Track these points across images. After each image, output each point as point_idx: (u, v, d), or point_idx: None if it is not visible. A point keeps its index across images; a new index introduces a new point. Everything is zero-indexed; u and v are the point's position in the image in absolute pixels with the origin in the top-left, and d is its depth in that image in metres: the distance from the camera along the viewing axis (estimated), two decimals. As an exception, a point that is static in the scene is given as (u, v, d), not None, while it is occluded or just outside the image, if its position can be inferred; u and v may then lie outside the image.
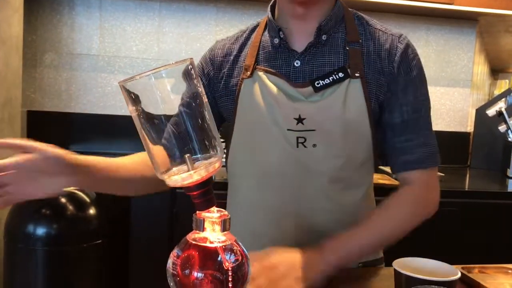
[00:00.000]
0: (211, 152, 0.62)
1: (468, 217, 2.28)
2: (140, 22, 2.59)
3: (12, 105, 2.18)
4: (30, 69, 2.52)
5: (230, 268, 0.62)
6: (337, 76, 1.03)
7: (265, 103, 1.04)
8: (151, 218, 2.07)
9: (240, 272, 0.63)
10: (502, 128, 2.65)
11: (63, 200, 1.88)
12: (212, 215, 0.62)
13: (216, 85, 1.14)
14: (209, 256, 0.62)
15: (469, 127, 2.99)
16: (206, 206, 0.62)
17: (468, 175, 2.82)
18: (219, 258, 0.62)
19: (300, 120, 1.03)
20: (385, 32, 1.09)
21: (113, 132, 2.55)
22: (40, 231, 1.80)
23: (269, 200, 1.08)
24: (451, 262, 1.03)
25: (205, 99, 0.62)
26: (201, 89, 0.63)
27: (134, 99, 0.60)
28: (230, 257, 0.63)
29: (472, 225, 2.28)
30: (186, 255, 0.62)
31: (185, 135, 0.61)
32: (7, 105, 2.11)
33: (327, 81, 1.03)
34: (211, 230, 0.63)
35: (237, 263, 0.63)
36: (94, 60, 2.58)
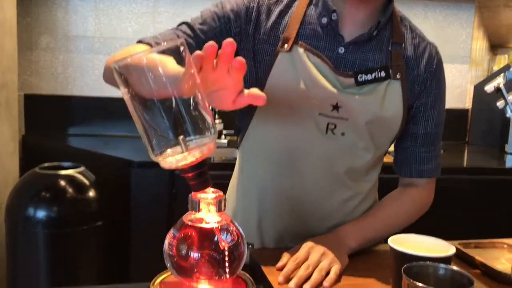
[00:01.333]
0: (205, 133, 0.62)
1: (466, 193, 2.29)
2: (135, 2, 2.57)
3: (8, 89, 2.17)
4: (26, 52, 2.50)
5: (226, 248, 0.62)
6: (379, 74, 1.02)
7: (301, 83, 1.01)
8: (150, 199, 2.08)
9: (237, 252, 0.63)
10: (500, 104, 2.64)
11: (62, 183, 1.88)
12: (207, 196, 0.63)
13: (246, 42, 1.04)
14: (205, 236, 0.63)
15: (468, 104, 2.99)
16: (201, 187, 0.62)
17: (466, 152, 2.82)
18: (215, 238, 0.62)
19: (336, 107, 1.02)
20: (424, 39, 1.09)
21: (111, 115, 2.54)
22: (41, 214, 1.82)
23: (285, 183, 1.08)
24: (448, 238, 1.05)
25: (197, 80, 0.62)
26: (193, 70, 0.62)
27: (126, 81, 0.60)
28: (226, 237, 0.63)
29: (470, 202, 2.30)
30: (182, 236, 0.62)
31: (178, 116, 0.61)
32: (3, 89, 2.10)
33: (369, 77, 1.02)
34: (206, 211, 0.63)
35: (233, 243, 0.63)
36: (90, 42, 2.56)
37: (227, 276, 0.62)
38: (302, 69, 1.01)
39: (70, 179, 1.90)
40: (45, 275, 1.84)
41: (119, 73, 0.60)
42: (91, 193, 1.92)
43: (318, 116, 1.03)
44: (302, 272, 0.89)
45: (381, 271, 0.94)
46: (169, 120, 0.61)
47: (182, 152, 0.60)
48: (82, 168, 1.96)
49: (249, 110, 1.08)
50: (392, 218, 1.11)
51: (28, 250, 1.84)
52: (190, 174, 0.61)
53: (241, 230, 0.65)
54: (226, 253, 0.62)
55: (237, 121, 1.16)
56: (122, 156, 2.14)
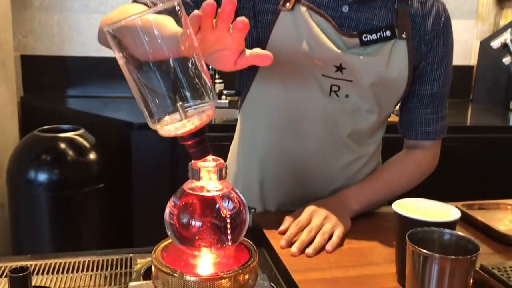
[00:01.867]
0: (204, 99, 0.59)
1: (470, 153, 2.28)
2: (130, -43, 2.48)
3: (4, 49, 2.13)
4: (20, 12, 2.44)
5: (228, 216, 0.61)
6: (384, 34, 0.99)
7: (303, 43, 0.98)
8: (152, 161, 2.07)
9: (239, 219, 0.62)
10: (506, 60, 2.59)
11: (62, 145, 1.87)
12: (208, 164, 0.61)
13: (246, 0, 1.00)
14: (206, 204, 0.62)
15: (473, 60, 2.93)
16: (201, 155, 0.60)
17: (470, 110, 2.79)
18: (216, 206, 0.61)
19: (340, 68, 0.99)
20: None
21: (109, 75, 2.49)
22: (42, 177, 1.82)
23: (287, 147, 1.07)
24: (452, 198, 1.05)
25: (195, 42, 0.59)
26: (190, 31, 0.59)
27: (120, 45, 0.57)
28: (228, 204, 0.62)
29: (474, 161, 2.29)
30: (183, 204, 0.61)
31: (175, 81, 0.58)
32: (-2, 50, 2.06)
33: (374, 36, 0.99)
34: (207, 179, 0.61)
35: (235, 210, 0.62)
36: (85, 0, 2.49)
37: (230, 243, 0.62)
38: (305, 29, 0.97)
39: (70, 142, 1.89)
40: (48, 237, 1.86)
41: (113, 36, 0.57)
42: (92, 156, 1.91)
43: (321, 77, 1.00)
44: (304, 236, 0.89)
45: (384, 234, 0.93)
46: (166, 85, 0.58)
47: (181, 119, 0.57)
48: (82, 131, 1.95)
49: (250, 72, 1.05)
50: (395, 180, 1.10)
51: (31, 213, 1.85)
52: (189, 142, 0.59)
53: (242, 198, 0.63)
54: (228, 220, 0.61)
55: (238, 84, 1.13)
56: (122, 118, 2.12)
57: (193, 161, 0.61)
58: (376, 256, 0.86)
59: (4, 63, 2.13)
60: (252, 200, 1.11)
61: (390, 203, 0.83)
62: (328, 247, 0.88)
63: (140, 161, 2.07)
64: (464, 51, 2.88)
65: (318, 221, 0.92)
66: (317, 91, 1.01)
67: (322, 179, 1.07)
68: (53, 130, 1.93)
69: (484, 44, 2.79)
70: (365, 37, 0.98)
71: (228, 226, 0.61)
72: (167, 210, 0.62)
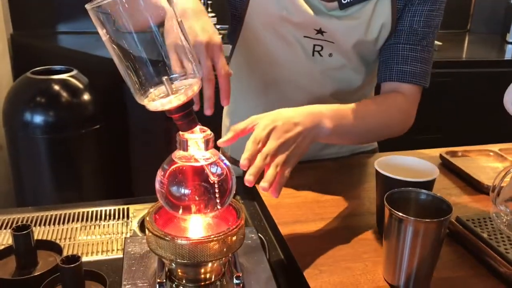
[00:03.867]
0: (189, 73, 0.61)
1: (463, 87, 2.29)
2: None
3: (-12, -14, 2.07)
4: None
5: (215, 182, 0.64)
6: None
7: (282, 7, 0.96)
8: (146, 101, 2.08)
9: (226, 185, 0.66)
10: (506, -10, 2.53)
11: (56, 87, 1.88)
12: (195, 136, 0.63)
13: None
14: (194, 172, 0.65)
15: (472, -11, 2.85)
16: (188, 127, 0.62)
17: (466, 41, 2.76)
18: (204, 174, 0.64)
19: (320, 31, 0.98)
20: None
21: (100, 10, 2.43)
22: (38, 119, 1.84)
23: (272, 106, 1.06)
24: (443, 139, 1.08)
25: (179, 18, 0.59)
26: (172, 4, 0.59)
27: (103, 21, 0.57)
28: (216, 170, 0.65)
29: (467, 97, 2.30)
30: (172, 173, 0.64)
31: (160, 56, 0.59)
32: (-17, -13, 2.00)
33: None
34: (195, 149, 0.64)
35: (222, 177, 0.65)
36: None
37: (218, 207, 0.65)
38: None
39: (63, 83, 1.89)
40: (48, 177, 1.92)
41: (96, 13, 0.57)
42: (86, 97, 1.92)
43: (303, 38, 0.99)
44: (258, 163, 0.72)
45: (368, 184, 0.98)
46: (151, 59, 0.59)
47: (168, 95, 0.59)
48: (74, 72, 1.94)
49: (234, 32, 1.05)
50: (373, 116, 0.98)
51: (29, 154, 1.89)
52: (176, 115, 0.61)
53: (229, 165, 0.67)
54: (216, 186, 0.64)
55: (227, 38, 1.13)
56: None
57: (180, 133, 0.64)
58: (359, 207, 0.91)
59: (-10, 1, 2.07)
60: (238, 154, 1.12)
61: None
62: (264, 183, 0.70)
63: (134, 100, 2.08)
64: (464, -21, 2.80)
65: (273, 146, 0.75)
66: (299, 52, 1.01)
67: None
68: (46, 72, 1.93)
69: (484, -28, 2.71)
70: (344, 0, 0.96)
71: (216, 191, 0.65)
72: (157, 179, 0.65)
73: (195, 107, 0.71)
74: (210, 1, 2.60)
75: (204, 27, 0.77)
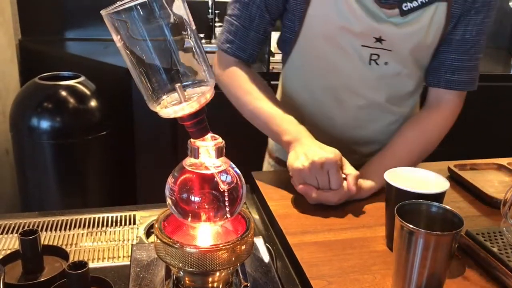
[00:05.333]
0: (202, 80, 0.60)
1: (469, 101, 2.28)
2: None
3: (-2, -8, 2.08)
4: (13, -50, 2.35)
5: (226, 190, 0.64)
6: None
7: (342, 16, 0.98)
8: (153, 108, 2.08)
9: (236, 194, 0.65)
10: (513, 4, 2.54)
11: (63, 93, 1.88)
12: (206, 144, 0.63)
13: None
14: (205, 180, 0.64)
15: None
16: (200, 135, 0.62)
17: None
18: (214, 182, 0.64)
19: (379, 40, 1.00)
20: None
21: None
22: (44, 124, 1.84)
23: (325, 111, 1.10)
24: (448, 152, 1.08)
25: (193, 25, 0.59)
26: (186, 12, 0.59)
27: (117, 28, 0.57)
28: (226, 179, 0.65)
29: (473, 111, 2.28)
30: (183, 181, 0.64)
31: (174, 63, 0.59)
32: (-7, -7, 2.02)
33: (415, 3, 0.97)
34: (206, 156, 0.64)
35: (232, 185, 0.65)
36: None
37: (228, 216, 0.65)
38: (343, 3, 0.97)
39: (71, 90, 1.90)
40: (54, 184, 1.92)
41: (111, 19, 0.57)
42: (93, 103, 1.93)
43: (360, 47, 1.01)
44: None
45: (378, 197, 0.97)
46: (164, 66, 0.59)
47: (180, 102, 0.59)
48: (82, 78, 1.95)
49: (292, 37, 1.07)
50: (413, 152, 1.04)
51: (35, 160, 1.90)
52: (188, 123, 0.61)
53: (239, 173, 0.66)
54: (226, 194, 0.64)
55: (278, 45, 1.16)
56: (123, 64, 2.11)
57: (191, 140, 0.63)
58: (368, 218, 0.90)
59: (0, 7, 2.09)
60: (285, 155, 1.16)
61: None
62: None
63: (141, 107, 2.09)
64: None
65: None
66: (356, 60, 1.02)
67: (363, 141, 1.09)
68: (54, 77, 1.93)
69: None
70: (405, 6, 0.97)
71: (226, 200, 0.64)
72: (167, 186, 0.65)
73: None
74: (217, 11, 2.62)
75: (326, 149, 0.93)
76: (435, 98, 1.09)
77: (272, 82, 1.39)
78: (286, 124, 1.01)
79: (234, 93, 1.08)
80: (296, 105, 1.15)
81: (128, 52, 0.59)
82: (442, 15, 0.99)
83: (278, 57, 2.36)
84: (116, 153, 2.07)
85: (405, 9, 0.97)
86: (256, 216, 0.96)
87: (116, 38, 0.58)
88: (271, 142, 1.27)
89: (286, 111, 1.03)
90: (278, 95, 1.22)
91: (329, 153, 0.91)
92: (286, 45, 1.10)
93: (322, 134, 1.11)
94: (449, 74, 1.06)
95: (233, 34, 1.07)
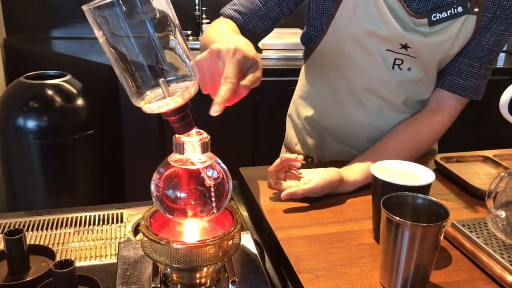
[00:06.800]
0: (186, 75, 0.60)
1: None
2: None
3: (-18, -10, 2.05)
4: None
5: (211, 186, 0.64)
6: (455, 10, 0.97)
7: (371, 20, 0.98)
8: (140, 106, 2.07)
9: (222, 189, 0.65)
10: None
11: (49, 92, 1.87)
12: (192, 139, 0.63)
13: None
14: (190, 176, 0.64)
15: None
16: (184, 130, 0.62)
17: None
18: (200, 177, 0.64)
19: (405, 47, 1.00)
20: None
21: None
22: (31, 124, 1.82)
23: (347, 111, 1.10)
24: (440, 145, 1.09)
25: (176, 20, 0.59)
26: (169, 6, 0.59)
27: (99, 23, 0.56)
28: (212, 174, 0.65)
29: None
30: (168, 176, 0.64)
31: (157, 59, 0.59)
32: (-24, -8, 1.99)
33: (444, 14, 0.97)
34: (191, 152, 0.63)
35: (218, 180, 0.65)
36: None
37: (214, 211, 0.65)
38: (373, 5, 0.97)
39: (57, 88, 1.88)
40: (41, 184, 1.90)
41: (93, 15, 0.56)
42: (80, 102, 1.91)
43: (385, 51, 1.02)
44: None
45: (364, 191, 0.97)
46: (147, 61, 0.59)
47: (164, 97, 0.59)
48: (68, 77, 1.93)
49: (317, 34, 1.07)
50: (402, 152, 1.03)
51: (23, 160, 1.88)
52: (172, 118, 0.61)
53: (225, 168, 0.66)
54: (212, 189, 0.64)
55: (302, 40, 1.16)
56: (109, 62, 2.09)
57: (176, 135, 0.63)
58: (355, 212, 0.90)
59: (-17, 5, 2.06)
60: (309, 148, 1.20)
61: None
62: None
63: (128, 105, 2.06)
64: None
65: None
66: (380, 63, 1.03)
67: (374, 141, 1.09)
68: (39, 76, 1.92)
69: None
70: (434, 17, 0.97)
71: (212, 195, 0.64)
72: (152, 183, 0.64)
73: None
74: (204, 8, 2.61)
75: (243, 44, 0.73)
76: (437, 101, 1.10)
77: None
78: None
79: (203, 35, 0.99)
80: (315, 102, 1.16)
81: (111, 48, 0.58)
82: (470, 27, 0.99)
83: (265, 53, 2.36)
84: (104, 151, 2.05)
85: (433, 19, 0.97)
86: (245, 213, 0.96)
87: (98, 33, 0.58)
88: (290, 134, 1.26)
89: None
90: (297, 90, 1.23)
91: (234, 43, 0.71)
92: (310, 42, 1.11)
93: (340, 131, 1.14)
94: (455, 77, 1.06)
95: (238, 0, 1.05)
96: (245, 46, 0.71)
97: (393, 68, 1.03)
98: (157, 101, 0.59)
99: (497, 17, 1.00)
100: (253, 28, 1.04)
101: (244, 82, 0.69)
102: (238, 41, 0.73)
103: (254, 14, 1.03)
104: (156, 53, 0.59)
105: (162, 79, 0.59)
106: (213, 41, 0.83)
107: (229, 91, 0.66)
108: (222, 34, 0.91)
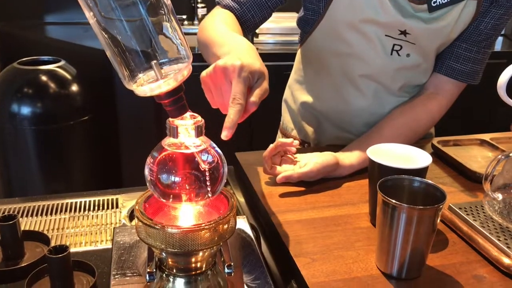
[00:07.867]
0: (179, 57, 0.59)
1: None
2: None
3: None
4: None
5: (206, 170, 0.63)
6: None
7: (369, 6, 0.97)
8: (135, 91, 2.06)
9: (217, 173, 0.64)
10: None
11: (43, 78, 1.85)
12: (185, 122, 0.62)
13: None
14: (184, 160, 0.63)
15: None
16: (178, 113, 0.61)
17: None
18: (195, 161, 0.63)
19: (404, 33, 0.99)
20: None
21: None
22: (25, 110, 1.81)
23: (344, 95, 1.10)
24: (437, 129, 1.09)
25: (168, 1, 0.58)
26: None
27: (89, 4, 0.55)
28: (207, 158, 0.64)
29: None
30: (162, 160, 0.63)
31: (150, 41, 0.58)
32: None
33: (444, 0, 0.96)
34: (185, 136, 0.63)
35: (213, 164, 0.64)
36: None
37: (209, 196, 0.64)
38: None
39: (51, 74, 1.86)
40: (36, 171, 1.89)
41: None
42: (74, 88, 1.89)
43: (384, 37, 1.00)
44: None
45: (360, 174, 0.97)
46: (139, 43, 0.58)
47: (157, 79, 0.58)
48: (62, 62, 1.91)
49: (314, 18, 1.05)
50: (400, 136, 1.03)
51: (18, 147, 1.86)
52: (166, 101, 0.60)
53: (220, 152, 0.65)
54: (207, 173, 0.63)
55: (298, 24, 1.14)
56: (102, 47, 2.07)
57: (170, 119, 0.62)
58: (352, 196, 0.90)
59: (-25, -10, 2.03)
60: (304, 133, 1.20)
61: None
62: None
63: (124, 91, 2.05)
64: None
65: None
66: (378, 49, 1.02)
67: (370, 126, 1.08)
68: (33, 62, 1.89)
69: None
70: (434, 2, 0.96)
71: (207, 179, 0.63)
72: (146, 167, 0.63)
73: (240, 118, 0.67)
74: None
75: (248, 55, 0.71)
76: (435, 86, 1.09)
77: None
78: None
79: (200, 27, 0.97)
80: (311, 86, 1.15)
81: (102, 30, 0.57)
82: (470, 12, 0.98)
83: (262, 37, 2.34)
84: (99, 137, 2.04)
85: (433, 5, 0.96)
86: (241, 198, 0.96)
87: (88, 15, 0.56)
88: (286, 119, 1.26)
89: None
90: (293, 74, 1.22)
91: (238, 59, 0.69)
92: (307, 25, 1.09)
93: (336, 116, 1.13)
94: (453, 62, 1.05)
95: None
96: (250, 58, 0.70)
97: (391, 54, 1.02)
98: (149, 84, 0.58)
99: (496, 1, 0.99)
100: (251, 17, 1.03)
101: (253, 98, 0.68)
102: (243, 54, 0.71)
103: (252, 4, 1.02)
104: (149, 35, 0.57)
105: (155, 61, 0.58)
106: (213, 43, 0.83)
107: (238, 113, 0.66)
108: (223, 35, 0.86)
